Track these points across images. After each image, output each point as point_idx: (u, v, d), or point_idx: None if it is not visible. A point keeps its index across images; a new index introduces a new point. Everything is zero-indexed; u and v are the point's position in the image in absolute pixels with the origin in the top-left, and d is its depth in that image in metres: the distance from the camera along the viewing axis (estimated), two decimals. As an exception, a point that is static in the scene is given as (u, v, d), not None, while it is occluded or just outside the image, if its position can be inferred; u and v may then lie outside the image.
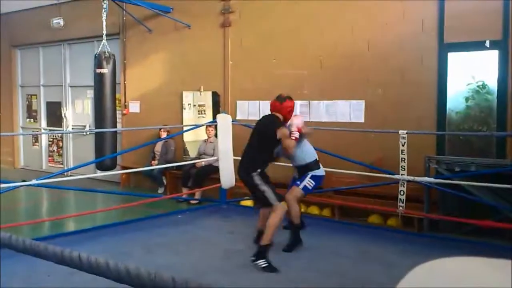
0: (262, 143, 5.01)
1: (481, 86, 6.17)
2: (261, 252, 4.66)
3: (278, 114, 5.06)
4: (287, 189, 5.50)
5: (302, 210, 7.11)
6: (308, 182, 5.27)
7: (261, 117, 5.62)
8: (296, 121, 5.14)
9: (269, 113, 5.20)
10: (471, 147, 6.36)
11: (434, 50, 6.45)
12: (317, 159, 5.43)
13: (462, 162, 5.88)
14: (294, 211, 5.21)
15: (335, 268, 4.77)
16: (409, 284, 0.85)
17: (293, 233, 5.28)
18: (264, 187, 4.82)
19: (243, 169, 5.00)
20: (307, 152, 5.38)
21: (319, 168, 5.40)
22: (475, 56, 6.25)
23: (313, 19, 7.44)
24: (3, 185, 5.72)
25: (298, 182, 5.29)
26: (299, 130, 5.07)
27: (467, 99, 6.27)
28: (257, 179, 4.84)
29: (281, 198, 4.84)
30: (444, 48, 6.37)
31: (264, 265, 4.59)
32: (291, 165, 5.64)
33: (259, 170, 4.88)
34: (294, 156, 5.37)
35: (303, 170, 5.37)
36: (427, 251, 5.16)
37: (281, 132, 4.90)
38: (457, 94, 6.34)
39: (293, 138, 4.98)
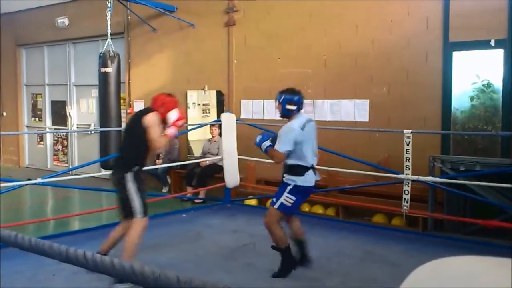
0: (132, 140, 4.33)
1: (486, 85, 6.15)
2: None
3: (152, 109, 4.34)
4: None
5: (306, 209, 7.12)
6: (285, 198, 4.30)
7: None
8: (171, 116, 4.30)
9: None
10: (476, 146, 6.34)
11: (439, 49, 6.43)
12: (307, 166, 4.32)
13: (467, 161, 5.86)
14: (276, 236, 4.36)
15: (339, 268, 4.76)
16: (413, 283, 0.85)
17: (283, 258, 4.44)
18: (134, 194, 4.19)
19: (115, 170, 4.35)
20: (296, 152, 4.29)
21: (302, 175, 4.31)
22: (480, 55, 6.23)
23: (317, 18, 7.43)
24: (8, 184, 5.75)
25: (274, 200, 4.37)
26: (175, 125, 4.34)
27: (472, 98, 6.25)
28: (130, 182, 4.19)
29: (147, 212, 4.28)
30: (449, 47, 6.35)
31: None
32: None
33: (134, 170, 4.21)
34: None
35: (285, 171, 4.43)
36: (431, 250, 5.15)
37: (148, 119, 4.19)
38: (462, 93, 6.32)
39: (165, 134, 4.28)
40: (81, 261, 1.18)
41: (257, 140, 4.41)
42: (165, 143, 4.38)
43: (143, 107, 4.89)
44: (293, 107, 4.36)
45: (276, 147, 4.25)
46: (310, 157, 4.33)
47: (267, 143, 4.33)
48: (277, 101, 4.44)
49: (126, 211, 4.27)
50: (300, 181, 4.30)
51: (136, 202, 4.20)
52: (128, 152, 4.35)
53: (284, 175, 4.40)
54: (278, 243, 4.40)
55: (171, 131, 4.30)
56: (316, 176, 4.44)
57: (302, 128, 4.28)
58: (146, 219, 4.29)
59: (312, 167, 4.36)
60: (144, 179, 4.39)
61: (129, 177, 4.18)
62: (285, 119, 4.49)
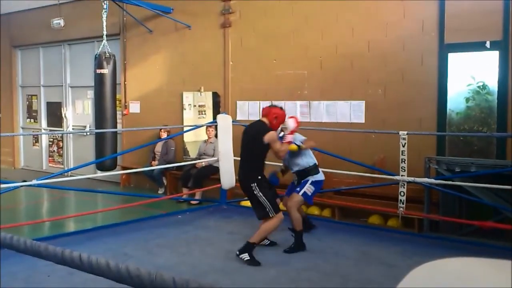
0: (254, 150, 5.05)
1: (481, 87, 6.17)
2: (247, 248, 4.87)
3: (265, 120, 5.13)
4: (285, 194, 5.62)
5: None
6: (308, 188, 5.32)
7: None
8: (290, 124, 5.23)
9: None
10: (471, 147, 6.36)
11: (434, 50, 6.45)
12: (316, 163, 5.47)
13: (462, 162, 5.88)
14: (295, 218, 5.26)
15: (336, 269, 4.77)
16: (409, 284, 0.86)
17: (296, 238, 5.27)
18: (263, 198, 4.92)
19: (243, 179, 5.10)
20: (306, 157, 5.43)
21: (318, 172, 5.44)
22: (476, 57, 6.25)
23: (313, 20, 7.44)
24: (3, 185, 5.72)
25: (298, 189, 5.34)
26: (292, 133, 5.19)
27: (467, 99, 6.27)
28: (257, 190, 4.92)
29: (279, 209, 4.97)
30: (445, 48, 6.37)
31: (247, 259, 4.80)
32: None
33: (259, 178, 4.94)
34: (293, 162, 5.43)
35: (302, 175, 5.42)
36: (427, 251, 5.16)
37: (269, 137, 4.92)
38: (457, 95, 6.33)
39: (286, 141, 5.09)
40: (76, 262, 1.18)
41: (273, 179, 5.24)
42: (287, 149, 5.11)
43: (259, 118, 5.45)
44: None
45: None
46: (313, 156, 5.52)
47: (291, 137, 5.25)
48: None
49: (264, 213, 4.97)
50: (318, 176, 5.45)
51: (267, 204, 4.92)
52: (250, 165, 5.05)
53: (302, 179, 5.43)
54: (295, 226, 5.25)
55: (289, 138, 5.17)
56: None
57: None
58: (281, 215, 4.97)
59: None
60: (266, 180, 5.10)
61: (255, 185, 4.92)
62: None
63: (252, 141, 5.03)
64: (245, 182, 5.02)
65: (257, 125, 5.18)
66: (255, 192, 4.91)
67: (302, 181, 5.40)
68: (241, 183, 5.14)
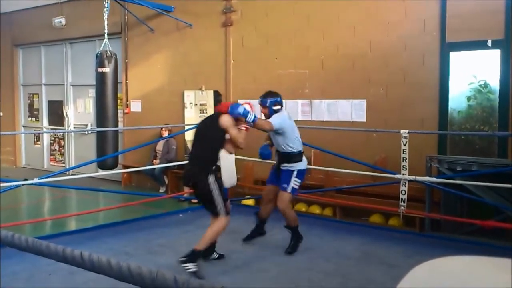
0: (210, 141, 4.62)
1: (483, 86, 6.16)
2: (193, 257, 4.40)
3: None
4: (267, 183, 5.48)
5: (303, 209, 7.13)
6: (294, 182, 5.02)
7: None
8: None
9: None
10: (473, 146, 6.35)
11: (436, 49, 6.44)
12: (302, 151, 5.11)
13: (464, 161, 5.87)
14: (290, 217, 5.09)
15: (337, 268, 4.76)
16: (410, 282, 0.85)
17: (293, 234, 5.14)
18: (217, 196, 4.50)
19: (197, 173, 4.57)
20: (293, 140, 5.01)
21: (301, 160, 5.07)
22: (477, 56, 6.24)
23: (315, 19, 7.43)
24: (4, 184, 5.73)
25: (285, 185, 4.99)
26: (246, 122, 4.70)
27: (469, 98, 6.26)
28: (212, 186, 4.48)
29: (227, 211, 4.60)
30: (446, 47, 6.36)
31: (191, 270, 4.28)
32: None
33: (215, 174, 4.55)
34: (277, 143, 5.07)
35: (284, 159, 5.05)
36: (428, 251, 5.15)
37: (225, 120, 4.52)
38: (459, 94, 6.33)
39: (243, 128, 4.62)
40: (77, 261, 1.18)
41: (239, 110, 4.56)
42: (244, 137, 4.66)
43: (214, 112, 5.45)
44: (279, 107, 5.02)
45: (270, 120, 4.88)
46: (300, 144, 5.11)
47: (253, 114, 4.63)
48: (262, 105, 5.03)
49: (210, 211, 4.60)
50: (301, 165, 5.06)
51: (219, 204, 4.50)
52: (206, 155, 4.58)
53: (284, 164, 5.05)
54: (292, 223, 5.09)
55: (244, 126, 4.65)
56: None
57: (289, 119, 5.07)
58: (228, 217, 4.61)
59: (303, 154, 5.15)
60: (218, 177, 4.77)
61: (211, 179, 4.48)
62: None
63: (208, 131, 4.62)
64: (199, 176, 4.48)
65: (212, 115, 4.91)
66: (210, 188, 4.44)
67: (284, 171, 5.03)
68: (192, 178, 4.61)
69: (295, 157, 5.02)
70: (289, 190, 4.97)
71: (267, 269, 4.63)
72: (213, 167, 4.56)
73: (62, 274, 4.32)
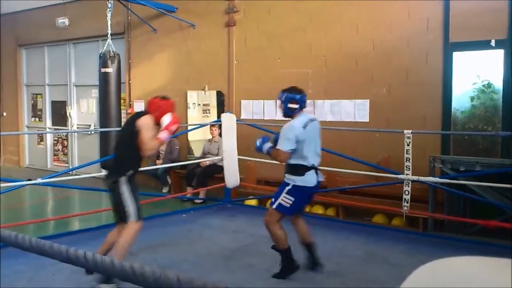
0: (127, 139, 4.25)
1: (486, 86, 6.15)
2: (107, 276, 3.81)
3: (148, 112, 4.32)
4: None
5: (306, 210, 7.11)
6: (283, 198, 4.26)
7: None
8: (165, 120, 4.22)
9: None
10: (476, 146, 6.34)
11: (439, 49, 6.43)
12: (308, 165, 4.27)
13: (467, 162, 5.86)
14: (275, 236, 4.33)
15: (339, 268, 4.76)
16: (413, 283, 0.85)
17: (282, 259, 4.39)
18: (126, 197, 4.13)
19: (110, 173, 4.29)
20: (300, 152, 4.26)
21: (302, 175, 4.25)
22: (481, 56, 6.23)
23: (318, 19, 7.43)
24: (8, 184, 5.75)
25: (273, 200, 4.37)
26: (167, 129, 4.20)
27: (472, 98, 6.25)
28: (123, 187, 4.14)
29: (141, 216, 4.21)
30: (449, 47, 6.35)
31: None
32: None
33: (129, 173, 4.18)
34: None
35: (286, 169, 4.39)
36: (431, 251, 5.15)
37: (142, 122, 4.13)
38: (462, 94, 6.32)
39: (158, 138, 4.15)
40: (81, 261, 1.18)
41: (257, 144, 4.42)
42: (156, 146, 4.23)
43: (142, 110, 5.00)
44: (295, 106, 4.34)
45: (278, 146, 4.23)
46: (311, 157, 4.28)
47: (268, 144, 4.37)
48: (279, 100, 4.44)
49: (120, 215, 4.21)
50: (300, 181, 4.25)
51: (129, 206, 4.12)
52: (122, 155, 4.27)
53: (285, 175, 4.36)
54: (277, 244, 4.36)
55: (163, 135, 4.16)
56: (319, 176, 4.38)
57: (304, 127, 4.24)
58: (140, 223, 4.20)
59: (313, 167, 4.30)
60: (137, 183, 4.33)
61: (123, 181, 4.13)
62: (287, 119, 4.44)
63: (127, 128, 4.28)
64: (111, 176, 4.20)
65: (136, 114, 4.45)
66: (120, 190, 4.11)
67: (280, 185, 4.38)
68: (107, 178, 4.30)
69: (295, 169, 4.28)
70: (274, 206, 4.30)
71: (270, 268, 4.63)
72: (128, 170, 4.18)
73: (65, 274, 4.33)
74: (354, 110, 7.13)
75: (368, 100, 7.02)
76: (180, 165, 8.44)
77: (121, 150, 4.29)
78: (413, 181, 5.77)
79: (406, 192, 5.79)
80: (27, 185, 5.77)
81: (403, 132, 5.80)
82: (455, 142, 6.45)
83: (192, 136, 8.89)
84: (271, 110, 7.88)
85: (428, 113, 6.51)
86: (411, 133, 5.75)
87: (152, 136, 4.11)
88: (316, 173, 4.35)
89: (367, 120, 7.01)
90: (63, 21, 10.76)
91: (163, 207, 7.43)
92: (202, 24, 8.74)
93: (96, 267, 1.15)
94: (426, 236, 5.91)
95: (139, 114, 4.27)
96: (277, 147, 4.25)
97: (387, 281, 4.35)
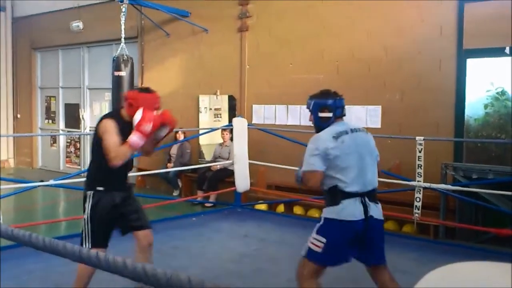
0: (94, 147, 3.58)
1: (500, 93, 6.11)
2: None
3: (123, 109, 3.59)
4: None
5: (317, 215, 7.09)
6: (312, 240, 3.09)
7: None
8: (136, 117, 3.36)
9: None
10: (489, 154, 6.29)
11: (452, 56, 6.40)
12: (346, 191, 3.05)
13: (480, 169, 5.82)
14: None
15: (348, 273, 4.73)
16: (425, 286, 0.86)
17: None
18: (87, 220, 3.52)
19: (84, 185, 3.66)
20: (332, 172, 3.09)
21: (337, 203, 3.05)
22: (495, 63, 6.19)
23: (330, 24, 7.43)
24: (21, 185, 5.81)
25: (303, 247, 3.20)
26: (139, 131, 3.30)
27: (486, 106, 6.21)
28: (90, 204, 3.51)
29: (102, 244, 3.52)
30: (463, 54, 6.31)
31: None
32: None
33: (98, 189, 3.50)
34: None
35: (324, 199, 3.27)
36: (442, 259, 5.10)
37: (101, 127, 3.43)
38: (475, 101, 6.28)
39: (127, 143, 3.30)
40: (94, 261, 1.19)
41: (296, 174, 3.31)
42: (124, 153, 3.30)
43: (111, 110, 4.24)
44: (329, 114, 3.31)
45: (302, 167, 3.15)
46: (353, 179, 3.07)
47: (299, 170, 3.25)
48: (308, 109, 3.46)
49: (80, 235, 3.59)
50: (334, 212, 3.05)
51: (85, 229, 3.51)
52: (89, 168, 3.64)
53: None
54: None
55: (132, 138, 3.28)
56: (371, 209, 3.12)
57: (337, 137, 3.12)
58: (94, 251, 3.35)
59: (357, 194, 3.08)
60: (112, 204, 3.53)
61: (88, 197, 3.53)
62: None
63: (93, 139, 3.56)
64: (84, 189, 3.60)
65: (103, 115, 3.65)
66: (86, 204, 3.54)
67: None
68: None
69: (328, 197, 3.15)
70: (303, 253, 3.17)
71: (279, 273, 4.62)
72: (94, 185, 3.50)
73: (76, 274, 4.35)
74: (366, 116, 7.11)
75: (380, 106, 6.99)
76: (191, 169, 8.46)
77: (90, 162, 3.66)
78: (424, 188, 5.73)
79: (418, 199, 5.75)
80: (39, 186, 5.82)
81: (415, 138, 5.78)
82: (468, 149, 6.41)
83: (203, 140, 8.92)
84: (282, 115, 7.89)
85: (441, 120, 6.47)
86: (423, 139, 5.72)
87: (117, 141, 3.31)
88: (364, 203, 3.09)
89: (379, 126, 6.98)
90: (77, 24, 10.87)
91: (174, 210, 7.45)
92: (215, 29, 8.78)
93: (108, 268, 1.16)
94: (437, 244, 5.87)
95: (103, 117, 3.53)
96: (302, 170, 3.14)
97: None
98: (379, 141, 6.77)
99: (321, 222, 3.10)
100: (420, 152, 5.70)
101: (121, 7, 7.39)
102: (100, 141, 3.39)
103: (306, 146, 3.22)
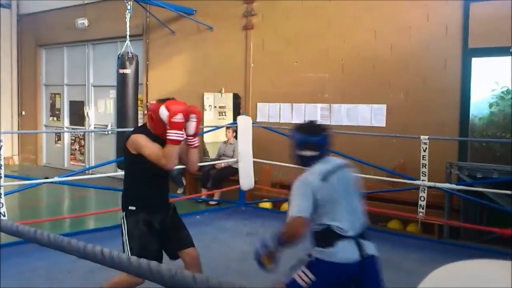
0: (126, 167, 3.50)
1: (505, 92, 6.09)
2: None
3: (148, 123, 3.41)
4: None
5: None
6: (300, 274, 2.89)
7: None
8: (162, 113, 3.14)
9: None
10: (494, 154, 6.27)
11: (458, 55, 6.38)
12: (340, 233, 2.82)
13: (484, 169, 5.80)
14: None
15: (353, 273, 4.73)
16: (429, 285, 0.85)
17: None
18: (127, 241, 3.30)
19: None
20: (323, 214, 2.83)
21: (331, 245, 2.79)
22: (500, 62, 6.16)
23: (336, 23, 7.42)
24: (25, 182, 5.83)
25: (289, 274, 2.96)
26: (173, 125, 3.09)
27: (491, 105, 6.19)
28: (124, 225, 3.31)
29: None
30: (468, 53, 6.29)
31: None
32: None
33: (130, 209, 3.32)
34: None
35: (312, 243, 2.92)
36: (446, 258, 5.07)
37: (131, 143, 3.29)
38: (481, 100, 6.26)
39: (170, 141, 3.12)
40: (99, 257, 1.19)
41: (258, 248, 3.03)
42: (172, 154, 3.14)
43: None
44: (313, 153, 2.91)
45: (289, 212, 2.79)
46: (343, 221, 2.85)
47: (273, 236, 2.91)
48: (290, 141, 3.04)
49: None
50: (326, 254, 2.81)
51: (126, 250, 3.28)
52: (124, 188, 3.47)
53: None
54: None
55: (171, 135, 3.11)
56: (366, 248, 2.92)
57: (324, 179, 2.83)
58: (131, 278, 3.15)
59: (352, 237, 2.86)
60: (151, 228, 3.35)
61: (124, 217, 3.34)
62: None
63: (123, 155, 3.46)
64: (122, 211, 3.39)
65: (133, 130, 3.65)
66: (122, 227, 3.32)
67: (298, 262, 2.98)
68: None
69: (321, 237, 2.86)
70: (284, 280, 3.01)
71: (284, 273, 4.61)
72: (128, 204, 3.33)
73: (81, 272, 4.37)
74: (371, 115, 7.10)
75: (385, 105, 6.98)
76: (195, 167, 8.45)
77: (124, 181, 3.49)
78: (429, 187, 5.72)
79: (422, 198, 5.74)
80: (44, 183, 5.84)
81: (419, 137, 5.76)
82: (473, 148, 6.39)
83: (207, 138, 8.93)
84: (287, 113, 7.88)
85: (446, 119, 6.45)
86: (428, 138, 5.71)
87: (157, 147, 3.19)
88: (359, 244, 2.89)
89: (384, 125, 6.97)
90: (82, 22, 10.89)
91: (178, 208, 7.42)
92: (220, 27, 8.77)
93: (113, 264, 1.16)
94: (441, 244, 5.85)
95: (131, 133, 3.49)
96: (289, 215, 2.77)
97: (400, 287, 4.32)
98: (384, 140, 6.80)
99: (313, 259, 2.85)
100: (424, 151, 5.68)
101: (127, 4, 7.40)
102: (131, 158, 3.30)
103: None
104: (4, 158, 5.15)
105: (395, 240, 5.97)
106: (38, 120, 12.64)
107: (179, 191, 8.92)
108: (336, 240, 2.79)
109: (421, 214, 5.76)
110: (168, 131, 3.11)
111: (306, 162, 2.93)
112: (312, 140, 2.90)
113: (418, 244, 5.80)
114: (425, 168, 5.69)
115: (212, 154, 8.84)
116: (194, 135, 3.34)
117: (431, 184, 5.68)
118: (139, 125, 3.71)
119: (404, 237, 6.15)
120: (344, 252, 2.80)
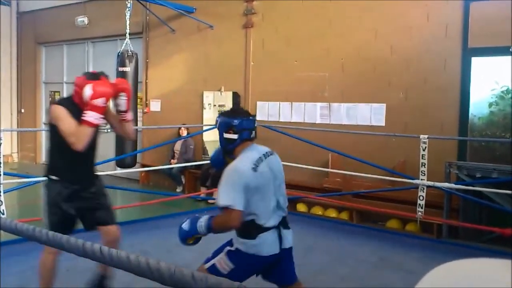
0: (49, 136, 3.49)
1: (505, 92, 6.08)
2: None
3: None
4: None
5: (319, 213, 7.10)
6: (220, 261, 2.97)
7: None
8: (86, 92, 3.16)
9: None
10: (493, 153, 6.27)
11: (457, 54, 6.38)
12: (263, 225, 2.86)
13: (484, 168, 5.80)
14: None
15: (352, 272, 4.74)
16: (427, 284, 0.85)
17: None
18: (47, 209, 3.42)
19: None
20: (250, 205, 2.84)
21: (253, 237, 2.85)
22: (500, 61, 6.16)
23: (336, 22, 7.41)
24: (24, 180, 5.82)
25: (210, 257, 3.11)
26: (91, 106, 3.16)
27: (490, 104, 6.19)
28: (46, 192, 3.44)
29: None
30: (468, 52, 6.29)
31: None
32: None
33: (52, 178, 3.39)
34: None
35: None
36: (445, 257, 5.06)
37: (52, 114, 3.27)
38: (480, 100, 6.26)
39: (84, 121, 3.16)
40: (97, 255, 1.19)
41: (185, 227, 3.14)
42: (84, 135, 3.16)
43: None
44: (234, 136, 2.97)
45: (222, 202, 2.79)
46: (268, 212, 2.87)
47: (203, 219, 2.95)
48: (216, 128, 3.08)
49: None
50: (247, 245, 2.86)
51: (44, 218, 3.35)
52: (47, 158, 3.51)
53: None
54: None
55: (87, 116, 3.14)
56: (285, 240, 2.95)
57: (256, 168, 2.84)
58: (53, 256, 3.33)
59: (274, 227, 2.90)
60: (63, 195, 3.39)
61: (45, 183, 3.42)
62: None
63: (47, 127, 3.45)
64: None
65: (55, 101, 3.53)
66: (43, 200, 3.44)
67: (225, 242, 3.08)
68: None
69: (244, 229, 2.86)
70: (207, 265, 3.05)
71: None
72: (54, 175, 3.37)
73: (79, 270, 4.37)
74: (371, 114, 7.10)
75: (385, 104, 6.98)
76: (195, 165, 8.47)
77: (48, 150, 3.54)
78: (428, 186, 5.73)
79: (421, 198, 5.75)
80: (43, 181, 5.83)
81: (419, 137, 5.76)
82: (472, 148, 6.39)
83: (207, 136, 8.92)
84: (286, 112, 7.88)
85: (445, 119, 6.45)
86: (427, 138, 5.71)
87: (72, 124, 3.16)
88: (280, 234, 2.92)
89: (383, 124, 6.97)
90: (82, 20, 10.88)
91: (177, 206, 7.46)
92: (220, 25, 8.77)
93: (111, 262, 1.16)
94: (440, 243, 5.86)
95: (52, 103, 3.43)
96: (222, 204, 2.78)
97: (400, 286, 4.32)
98: (384, 139, 6.80)
99: (233, 249, 2.91)
100: (424, 150, 5.69)
101: (126, 2, 7.39)
102: (51, 128, 3.31)
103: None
104: (3, 156, 5.14)
105: (394, 239, 5.97)
106: (38, 118, 12.63)
107: (179, 189, 8.92)
108: (258, 232, 2.84)
109: (420, 213, 5.77)
110: (86, 111, 3.15)
111: (230, 146, 2.99)
112: (233, 122, 2.96)
113: (417, 243, 5.81)
114: (425, 167, 5.70)
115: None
116: (126, 111, 3.49)
117: (431, 183, 5.69)
118: (67, 96, 3.65)
119: (403, 236, 6.16)
120: (265, 246, 2.85)
